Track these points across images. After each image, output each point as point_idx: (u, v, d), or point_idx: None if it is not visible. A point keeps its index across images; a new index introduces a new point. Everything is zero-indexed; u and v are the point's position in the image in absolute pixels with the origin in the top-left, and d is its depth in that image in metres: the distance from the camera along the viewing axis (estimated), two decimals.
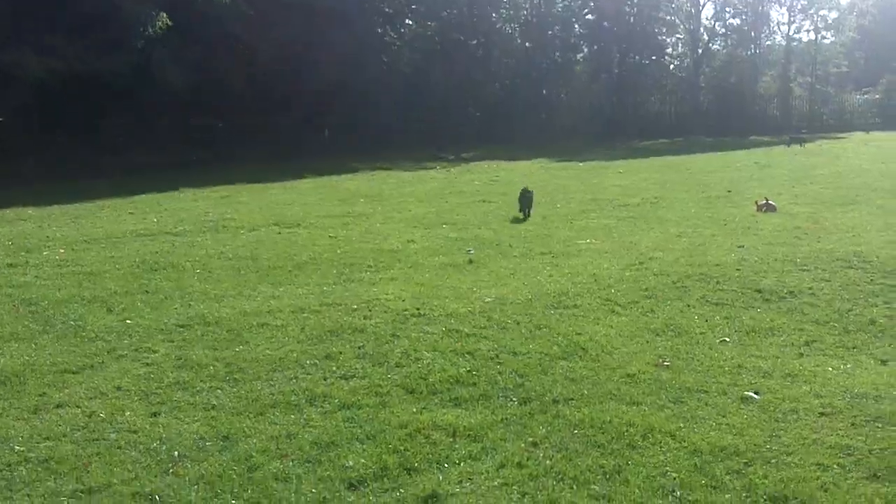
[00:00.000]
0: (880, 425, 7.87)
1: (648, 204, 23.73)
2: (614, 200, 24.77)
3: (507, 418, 8.16)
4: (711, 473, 6.93)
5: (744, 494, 6.60)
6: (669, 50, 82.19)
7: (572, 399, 8.62)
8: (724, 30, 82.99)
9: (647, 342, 10.68)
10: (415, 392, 8.93)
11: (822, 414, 8.19)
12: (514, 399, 8.67)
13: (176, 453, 7.51)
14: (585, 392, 8.83)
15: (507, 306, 12.28)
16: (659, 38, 78.50)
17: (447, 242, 18.00)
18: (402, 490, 6.78)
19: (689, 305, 12.38)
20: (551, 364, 9.75)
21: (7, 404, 8.78)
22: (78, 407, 8.69)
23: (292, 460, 7.31)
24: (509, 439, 7.67)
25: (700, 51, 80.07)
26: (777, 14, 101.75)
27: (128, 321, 11.86)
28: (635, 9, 75.13)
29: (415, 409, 8.42)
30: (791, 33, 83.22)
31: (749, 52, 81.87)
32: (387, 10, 56.31)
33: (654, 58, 77.82)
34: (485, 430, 7.86)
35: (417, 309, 12.11)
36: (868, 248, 15.38)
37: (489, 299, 12.68)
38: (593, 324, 11.45)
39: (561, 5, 75.22)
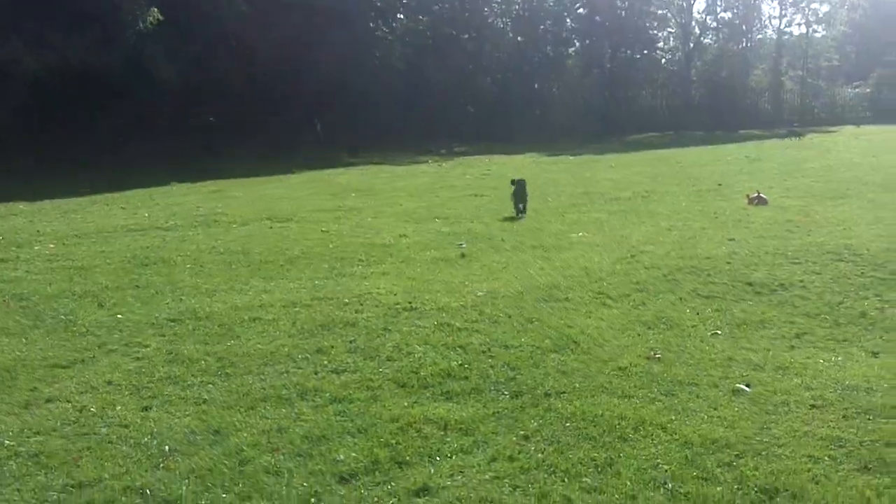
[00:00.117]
0: (871, 417, 7.87)
1: (640, 197, 23.74)
2: (606, 194, 24.79)
3: (498, 412, 8.15)
4: (703, 466, 6.93)
5: (735, 486, 6.60)
6: (661, 44, 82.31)
7: (564, 392, 8.62)
8: (715, 24, 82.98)
9: (639, 335, 10.68)
10: (406, 386, 8.92)
11: (813, 406, 8.19)
12: (506, 392, 8.67)
13: (167, 447, 7.49)
14: (577, 385, 8.82)
15: (498, 300, 12.27)
16: (650, 32, 78.60)
17: (439, 236, 18.00)
18: (393, 483, 6.77)
19: (680, 298, 12.38)
20: (543, 357, 9.74)
21: None
22: (68, 401, 8.67)
23: (283, 454, 7.30)
24: (501, 433, 7.66)
25: (691, 45, 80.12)
26: (768, 8, 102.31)
27: (119, 316, 11.85)
28: (627, 3, 75.16)
29: (406, 403, 8.41)
30: (782, 27, 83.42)
31: (740, 46, 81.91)
32: (378, 4, 56.33)
33: (645, 52, 77.91)
34: (476, 423, 7.85)
35: (409, 303, 12.11)
36: (858, 242, 15.38)
37: (481, 293, 12.68)
38: (585, 317, 11.45)
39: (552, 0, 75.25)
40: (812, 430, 7.62)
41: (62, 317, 11.87)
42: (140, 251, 16.79)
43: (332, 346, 10.24)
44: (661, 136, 59.48)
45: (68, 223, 21.20)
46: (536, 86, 72.97)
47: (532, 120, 63.87)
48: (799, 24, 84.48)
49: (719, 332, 10.78)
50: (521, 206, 20.96)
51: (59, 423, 8.09)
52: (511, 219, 19.91)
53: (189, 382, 9.19)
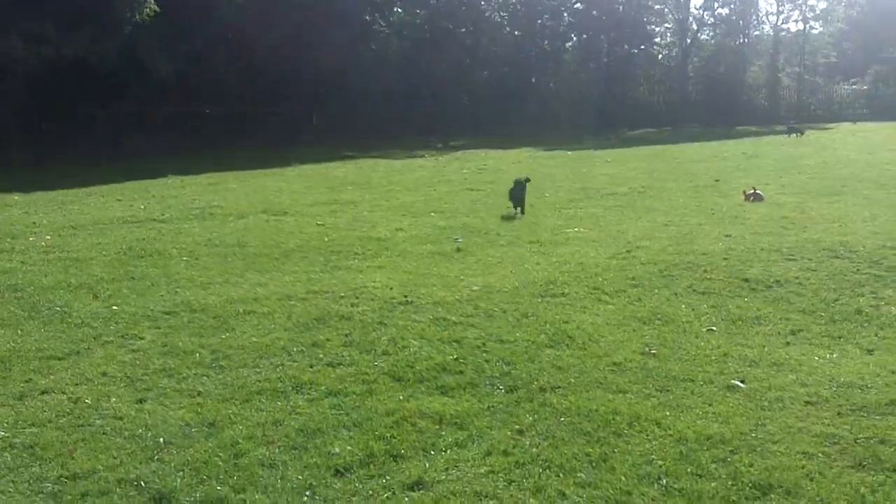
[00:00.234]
0: (866, 414, 7.89)
1: (636, 193, 23.72)
2: (602, 189, 24.76)
3: (493, 406, 8.16)
4: (697, 461, 6.93)
5: (729, 482, 6.61)
6: (658, 39, 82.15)
7: (559, 387, 8.63)
8: (712, 19, 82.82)
9: (634, 331, 10.69)
10: (401, 380, 8.93)
11: (807, 403, 8.20)
12: (501, 387, 8.68)
13: (161, 440, 7.50)
14: (572, 380, 8.83)
15: (494, 294, 12.28)
16: (648, 27, 78.44)
17: (435, 231, 18.00)
18: (388, 477, 6.78)
19: (675, 294, 12.39)
20: (538, 352, 9.75)
21: None
22: (63, 393, 8.67)
23: (278, 447, 7.30)
24: (496, 427, 7.67)
25: (689, 40, 79.99)
26: (765, 4, 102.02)
27: (114, 307, 11.84)
28: None
29: (401, 397, 8.42)
30: (779, 23, 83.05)
31: (737, 43, 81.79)
32: None
33: (642, 47, 77.76)
34: (471, 417, 7.86)
35: (405, 297, 12.11)
36: (854, 239, 15.39)
37: (476, 287, 12.68)
38: (580, 312, 11.45)
39: None
40: (806, 426, 7.63)
41: (57, 308, 11.86)
42: (136, 243, 16.77)
43: (328, 340, 10.25)
44: (658, 131, 59.39)
45: (64, 215, 21.18)
46: (533, 80, 72.91)
47: (529, 114, 63.71)
48: (796, 21, 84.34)
49: (714, 328, 10.80)
50: (520, 206, 20.37)
51: (53, 415, 8.09)
52: (508, 214, 19.86)
53: (184, 375, 9.19)
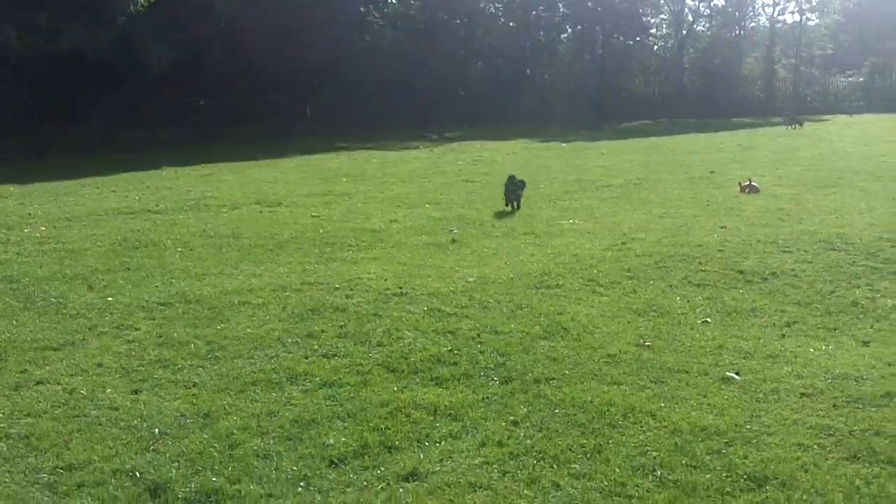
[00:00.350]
0: (861, 406, 7.89)
1: (632, 185, 23.71)
2: (597, 181, 24.74)
3: (488, 397, 8.17)
4: (692, 453, 6.94)
5: (724, 474, 6.61)
6: (654, 31, 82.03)
7: (553, 378, 8.63)
8: (708, 11, 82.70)
9: (629, 322, 10.70)
10: (396, 371, 8.94)
11: (803, 395, 8.21)
12: (496, 378, 8.68)
13: (157, 430, 7.50)
14: (567, 372, 8.84)
15: (489, 286, 12.29)
16: (643, 18, 78.35)
17: (430, 222, 17.98)
18: (382, 468, 6.78)
19: (670, 286, 12.40)
20: (533, 343, 9.76)
21: None
22: (58, 384, 8.66)
23: (273, 438, 7.31)
24: (490, 418, 7.67)
25: (684, 32, 79.90)
26: None
27: (109, 298, 11.84)
28: None
29: (396, 388, 8.42)
30: (775, 15, 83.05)
31: (733, 34, 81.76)
32: None
33: (638, 38, 77.73)
34: (466, 408, 7.87)
35: (399, 288, 12.11)
36: (850, 230, 15.40)
37: (471, 279, 12.69)
38: (575, 304, 11.46)
39: None
40: (802, 418, 7.64)
41: (52, 299, 11.86)
42: (130, 234, 16.77)
43: (323, 331, 10.25)
44: (654, 123, 59.37)
45: (59, 206, 21.16)
46: (528, 72, 72.78)
47: (524, 106, 63.55)
48: (792, 13, 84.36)
49: (710, 319, 10.81)
50: (514, 202, 19.77)
51: (49, 406, 8.09)
52: (502, 205, 19.80)
53: (179, 366, 9.19)
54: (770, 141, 39.93)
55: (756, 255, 13.95)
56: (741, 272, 12.98)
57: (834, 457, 6.92)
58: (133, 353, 9.62)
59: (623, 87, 75.53)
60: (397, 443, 7.19)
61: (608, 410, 7.78)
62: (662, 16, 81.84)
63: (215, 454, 7.01)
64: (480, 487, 6.49)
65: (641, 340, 9.90)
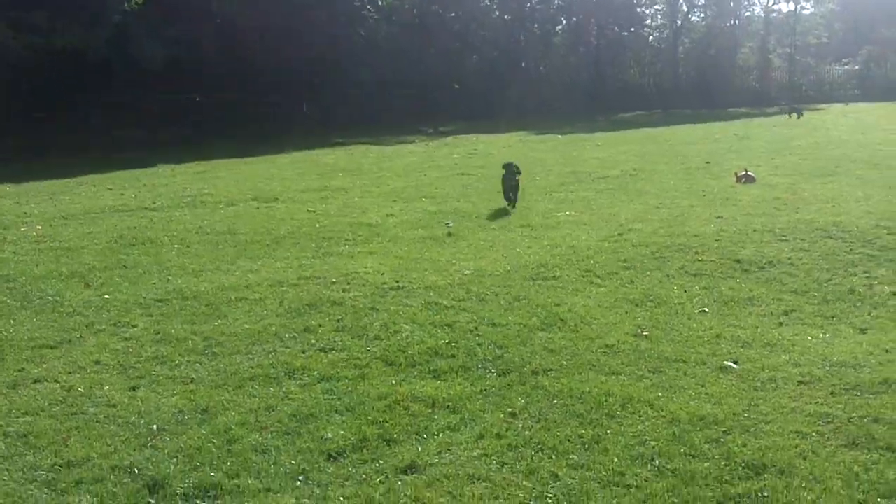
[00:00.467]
0: (859, 393, 7.90)
1: (628, 176, 23.70)
2: (593, 173, 24.73)
3: (486, 389, 8.17)
4: (690, 442, 6.94)
5: (722, 463, 6.61)
6: (648, 21, 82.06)
7: (551, 370, 8.63)
8: (703, 1, 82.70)
9: (626, 313, 10.70)
10: (394, 364, 8.94)
11: (800, 383, 8.22)
12: (493, 370, 8.68)
13: (155, 427, 7.50)
14: (564, 363, 8.84)
15: (486, 278, 12.28)
16: (638, 9, 78.38)
17: (426, 216, 17.98)
18: (381, 461, 6.78)
19: (667, 276, 12.40)
20: (530, 335, 9.76)
21: None
22: (56, 381, 8.66)
23: (271, 432, 7.31)
24: (488, 410, 7.67)
25: (679, 22, 79.95)
26: None
27: (106, 296, 11.83)
28: None
29: (394, 381, 8.42)
30: (770, 4, 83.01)
31: (728, 24, 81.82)
32: None
33: (632, 29, 77.66)
34: (464, 401, 7.87)
35: (396, 282, 12.11)
36: (847, 219, 15.40)
37: (468, 272, 12.68)
38: (572, 295, 11.46)
39: None
40: (800, 406, 7.65)
41: (49, 297, 11.85)
42: (127, 231, 16.76)
43: (320, 325, 10.25)
44: (649, 114, 59.43)
45: (55, 205, 21.15)
46: (523, 64, 72.77)
47: (519, 98, 63.58)
48: (787, 1, 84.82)
49: (707, 309, 10.81)
50: (512, 196, 18.92)
51: (47, 403, 8.09)
52: (499, 198, 19.73)
53: (176, 362, 9.19)
54: (766, 131, 39.96)
55: (753, 244, 13.95)
56: (738, 261, 12.98)
57: (832, 444, 6.92)
58: (130, 350, 9.62)
59: (618, 79, 75.68)
60: (396, 436, 7.19)
61: (606, 401, 7.78)
62: (657, 6, 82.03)
63: (214, 449, 7.01)
64: (479, 479, 6.49)
65: (639, 331, 9.90)
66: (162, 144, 39.06)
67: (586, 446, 6.94)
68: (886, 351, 9.06)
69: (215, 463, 6.80)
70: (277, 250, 14.79)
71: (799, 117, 46.60)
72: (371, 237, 15.73)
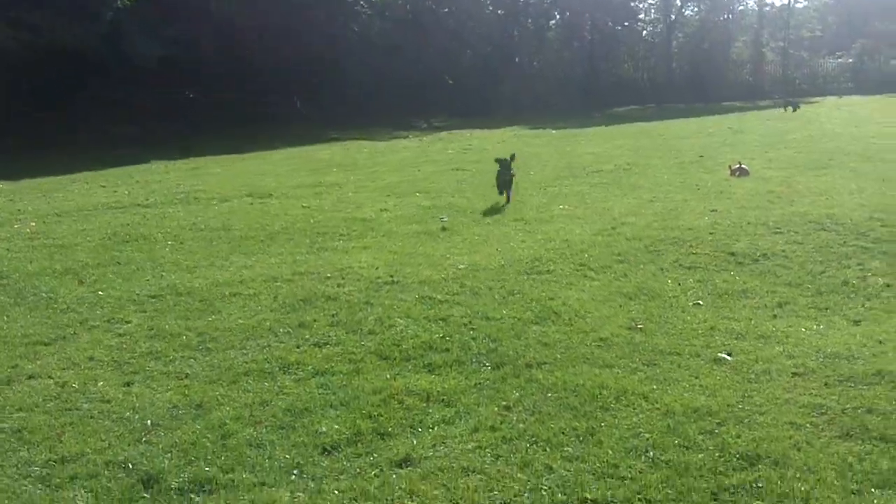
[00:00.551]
0: (852, 385, 7.91)
1: (621, 170, 23.67)
2: (587, 167, 24.70)
3: (480, 383, 8.17)
4: (684, 434, 6.95)
5: (717, 454, 6.62)
6: (642, 16, 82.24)
7: (545, 363, 8.64)
8: None
9: (620, 306, 10.70)
10: (388, 358, 8.94)
11: (794, 374, 8.23)
12: (488, 364, 8.68)
13: (149, 422, 7.50)
14: (558, 356, 8.84)
15: (480, 272, 12.27)
16: (631, 3, 78.47)
17: (420, 210, 17.97)
18: (375, 455, 6.79)
19: (661, 269, 12.40)
20: (524, 329, 9.76)
21: None
22: (50, 378, 8.65)
23: (266, 427, 7.31)
24: (482, 403, 7.68)
25: (673, 16, 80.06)
26: None
27: (100, 292, 11.82)
28: None
29: (388, 375, 8.42)
30: None
31: (722, 18, 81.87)
32: None
33: (626, 24, 77.81)
34: (458, 394, 7.87)
35: (391, 276, 12.10)
36: (841, 211, 15.41)
37: (462, 266, 12.67)
38: (566, 288, 11.46)
39: None
40: (793, 397, 7.66)
41: (43, 294, 11.84)
42: (120, 228, 16.74)
43: (314, 320, 10.24)
44: (643, 108, 59.51)
45: (49, 202, 21.13)
46: (517, 59, 72.87)
47: (513, 93, 63.61)
48: None
49: (701, 302, 10.82)
50: (506, 190, 18.74)
51: (41, 399, 8.08)
52: (493, 193, 19.72)
53: (171, 357, 9.18)
54: (760, 124, 40.01)
55: (747, 237, 13.96)
56: (732, 254, 12.99)
57: (826, 435, 6.93)
58: (124, 345, 9.62)
59: (612, 73, 75.85)
60: (390, 429, 7.19)
61: (600, 393, 7.79)
62: (651, 1, 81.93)
63: (208, 444, 7.01)
64: (474, 472, 6.50)
65: (633, 323, 9.91)
66: (154, 141, 38.99)
67: (581, 439, 6.94)
68: (880, 342, 9.08)
69: (210, 457, 6.80)
70: (271, 246, 14.78)
71: (795, 110, 46.62)
72: (365, 232, 15.72)
